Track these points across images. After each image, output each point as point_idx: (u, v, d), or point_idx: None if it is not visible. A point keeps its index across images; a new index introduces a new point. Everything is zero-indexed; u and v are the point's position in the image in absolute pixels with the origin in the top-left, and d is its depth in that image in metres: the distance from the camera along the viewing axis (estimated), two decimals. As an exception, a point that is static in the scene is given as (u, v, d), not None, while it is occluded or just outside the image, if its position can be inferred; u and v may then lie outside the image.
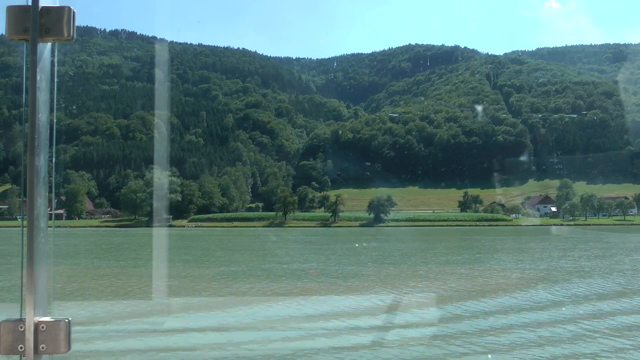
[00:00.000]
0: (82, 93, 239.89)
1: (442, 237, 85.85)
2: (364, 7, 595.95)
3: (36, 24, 2.21)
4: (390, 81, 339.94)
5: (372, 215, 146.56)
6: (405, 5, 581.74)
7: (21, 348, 2.16)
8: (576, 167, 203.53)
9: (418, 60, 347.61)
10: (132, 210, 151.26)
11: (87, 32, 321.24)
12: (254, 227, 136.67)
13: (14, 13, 2.23)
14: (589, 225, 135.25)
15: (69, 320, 2.24)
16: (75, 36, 2.29)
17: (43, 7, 2.23)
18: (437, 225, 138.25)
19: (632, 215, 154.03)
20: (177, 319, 18.59)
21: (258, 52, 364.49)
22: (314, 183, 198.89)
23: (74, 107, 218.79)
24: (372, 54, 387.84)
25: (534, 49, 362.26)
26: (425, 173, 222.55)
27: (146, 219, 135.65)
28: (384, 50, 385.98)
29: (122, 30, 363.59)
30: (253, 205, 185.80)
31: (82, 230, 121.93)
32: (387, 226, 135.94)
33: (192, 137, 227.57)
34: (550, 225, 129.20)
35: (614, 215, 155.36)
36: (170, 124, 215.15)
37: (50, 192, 2.28)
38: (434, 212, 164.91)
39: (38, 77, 2.17)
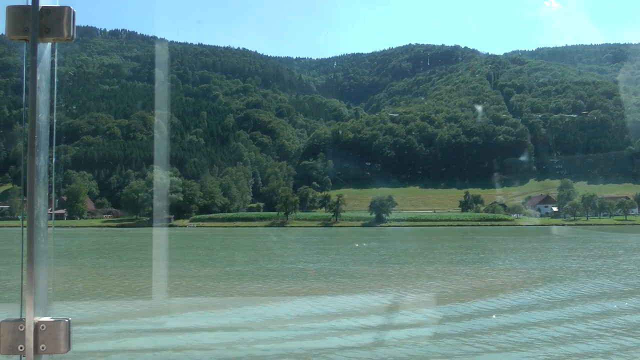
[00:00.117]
0: (83, 93, 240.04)
1: (445, 237, 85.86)
2: (364, 7, 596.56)
3: (36, 24, 2.20)
4: (391, 81, 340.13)
5: (373, 215, 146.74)
6: (406, 5, 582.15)
7: (21, 348, 2.16)
8: (576, 167, 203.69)
9: (418, 60, 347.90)
10: (133, 210, 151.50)
11: (87, 32, 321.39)
12: (256, 227, 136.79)
13: (14, 13, 2.23)
14: (591, 225, 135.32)
15: (69, 320, 2.24)
16: (75, 36, 2.29)
17: (43, 7, 2.23)
18: (438, 225, 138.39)
19: (633, 215, 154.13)
20: (180, 318, 18.53)
21: (258, 52, 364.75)
22: (314, 183, 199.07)
23: (74, 107, 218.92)
24: (373, 53, 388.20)
25: (534, 49, 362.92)
26: (425, 173, 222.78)
27: (147, 218, 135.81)
28: (384, 50, 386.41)
29: (122, 30, 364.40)
30: (254, 205, 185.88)
31: (84, 230, 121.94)
32: (389, 226, 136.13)
33: (193, 137, 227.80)
34: (552, 225, 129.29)
35: (615, 215, 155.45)
36: (170, 124, 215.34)
37: (50, 192, 2.28)
38: (435, 212, 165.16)
39: (38, 77, 2.17)
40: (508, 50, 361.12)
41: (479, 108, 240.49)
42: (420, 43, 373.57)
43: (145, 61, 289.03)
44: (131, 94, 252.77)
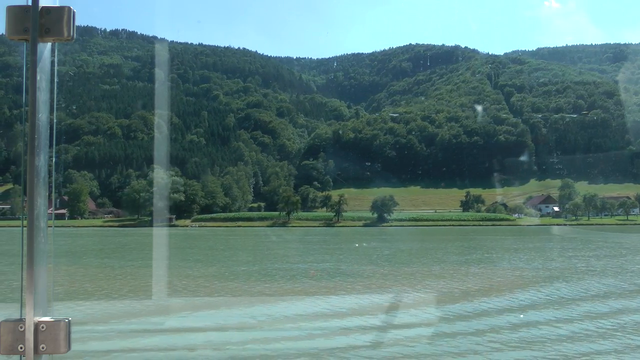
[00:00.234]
0: (83, 93, 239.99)
1: (448, 236, 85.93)
2: (364, 6, 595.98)
3: (36, 24, 2.20)
4: (391, 81, 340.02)
5: (375, 215, 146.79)
6: (405, 5, 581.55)
7: (21, 348, 2.16)
8: (577, 167, 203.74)
9: (418, 60, 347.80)
10: (135, 210, 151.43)
11: (88, 32, 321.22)
12: (258, 226, 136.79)
13: (14, 13, 2.22)
14: (592, 225, 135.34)
15: (69, 320, 2.23)
16: (75, 36, 2.29)
17: (43, 7, 2.23)
18: (440, 225, 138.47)
19: (634, 215, 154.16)
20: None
21: (258, 52, 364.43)
22: (315, 183, 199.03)
23: (75, 107, 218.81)
24: (373, 53, 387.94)
25: (534, 49, 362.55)
26: (426, 173, 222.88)
27: (149, 218, 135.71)
28: (384, 50, 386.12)
29: (122, 30, 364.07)
30: (255, 205, 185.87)
31: (86, 230, 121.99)
32: (391, 226, 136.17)
33: (194, 137, 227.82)
34: (554, 225, 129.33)
35: (616, 215, 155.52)
36: (171, 124, 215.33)
37: (50, 192, 2.27)
38: (436, 212, 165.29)
39: (38, 77, 2.17)
40: (508, 50, 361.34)
41: (479, 108, 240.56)
42: (421, 43, 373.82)
43: (146, 61, 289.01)
44: (132, 94, 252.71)
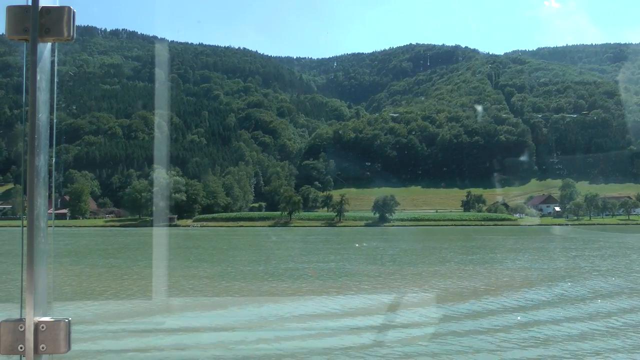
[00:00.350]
0: (84, 93, 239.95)
1: (451, 236, 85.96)
2: (364, 6, 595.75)
3: (36, 24, 2.20)
4: (391, 81, 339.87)
5: (377, 215, 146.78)
6: (406, 5, 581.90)
7: (21, 348, 2.15)
8: (577, 167, 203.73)
9: (419, 60, 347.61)
10: (136, 210, 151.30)
11: (88, 32, 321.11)
12: (260, 226, 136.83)
13: (14, 13, 2.22)
14: (594, 225, 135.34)
15: (69, 320, 2.23)
16: (75, 36, 2.28)
17: (43, 7, 2.23)
18: (442, 225, 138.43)
19: (636, 214, 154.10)
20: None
21: (259, 51, 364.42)
22: (316, 183, 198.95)
23: (74, 107, 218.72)
24: (373, 53, 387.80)
25: (534, 49, 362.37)
26: (426, 173, 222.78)
27: (151, 218, 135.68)
28: (384, 50, 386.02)
29: (122, 29, 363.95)
30: (256, 205, 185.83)
31: (88, 230, 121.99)
32: (393, 226, 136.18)
33: (195, 137, 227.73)
34: (556, 225, 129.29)
35: (617, 215, 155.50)
36: (172, 124, 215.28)
37: (50, 192, 2.27)
38: (437, 212, 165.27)
39: (38, 77, 2.16)
40: (508, 50, 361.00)
41: (479, 108, 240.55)
42: (421, 43, 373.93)
43: (146, 61, 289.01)
44: (132, 94, 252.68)
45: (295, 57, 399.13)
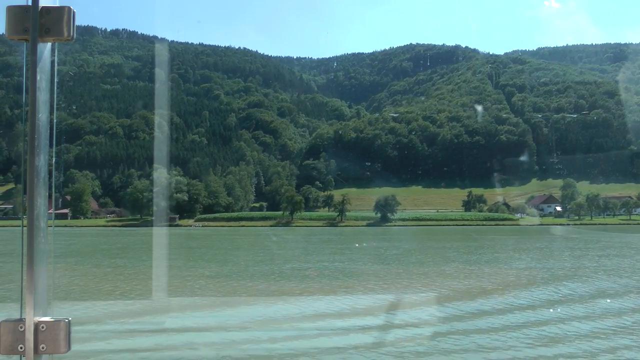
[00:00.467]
0: (84, 92, 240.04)
1: (454, 236, 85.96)
2: (364, 6, 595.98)
3: (36, 24, 2.20)
4: (392, 81, 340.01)
5: (378, 215, 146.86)
6: (406, 5, 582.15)
7: (21, 348, 2.15)
8: (578, 167, 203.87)
9: (419, 59, 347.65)
10: (138, 210, 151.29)
11: (88, 32, 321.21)
12: (262, 226, 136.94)
13: (14, 13, 2.22)
14: (596, 224, 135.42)
15: (69, 320, 2.23)
16: (75, 36, 2.28)
17: (43, 7, 2.22)
18: (443, 225, 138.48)
19: (637, 214, 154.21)
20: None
21: (259, 51, 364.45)
22: (317, 183, 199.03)
23: (75, 107, 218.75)
24: (373, 53, 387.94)
25: (534, 49, 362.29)
26: (427, 173, 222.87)
27: (152, 218, 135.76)
28: (384, 50, 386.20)
29: (122, 29, 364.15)
30: (257, 204, 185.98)
31: (89, 230, 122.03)
32: (395, 225, 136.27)
33: (195, 137, 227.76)
34: (558, 225, 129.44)
35: (618, 215, 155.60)
36: (173, 124, 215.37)
37: (50, 192, 2.27)
38: (438, 212, 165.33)
39: (38, 77, 2.16)
40: (508, 50, 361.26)
41: (479, 108, 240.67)
42: (421, 43, 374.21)
43: (146, 61, 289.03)
44: (132, 94, 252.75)
45: (295, 57, 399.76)
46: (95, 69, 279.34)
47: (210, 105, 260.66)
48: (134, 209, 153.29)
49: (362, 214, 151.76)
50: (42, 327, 2.17)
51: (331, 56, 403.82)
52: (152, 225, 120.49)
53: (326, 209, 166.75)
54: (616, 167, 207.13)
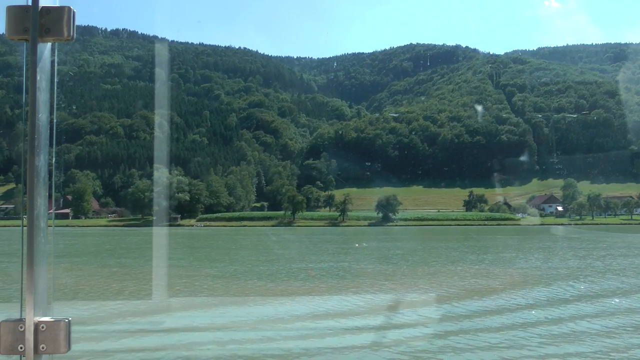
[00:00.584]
0: (85, 92, 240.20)
1: (456, 236, 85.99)
2: (364, 6, 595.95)
3: (36, 24, 2.20)
4: (392, 81, 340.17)
5: (380, 215, 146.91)
6: (406, 5, 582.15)
7: (21, 348, 2.15)
8: (578, 167, 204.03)
9: (419, 59, 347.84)
10: (139, 209, 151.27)
11: (88, 32, 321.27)
12: (263, 226, 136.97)
13: (14, 13, 2.22)
14: (597, 224, 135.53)
15: (69, 320, 2.22)
16: (75, 36, 2.28)
17: (43, 7, 2.22)
18: (445, 225, 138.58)
19: (638, 214, 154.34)
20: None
21: (259, 51, 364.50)
22: (318, 182, 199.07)
23: (74, 107, 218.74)
24: (373, 53, 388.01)
25: (535, 49, 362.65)
26: (427, 172, 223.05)
27: (154, 218, 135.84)
28: (385, 50, 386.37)
29: (123, 29, 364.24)
30: (258, 204, 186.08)
31: (91, 229, 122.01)
32: (396, 225, 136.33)
33: (196, 137, 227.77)
34: (560, 224, 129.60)
35: (619, 215, 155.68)
36: (173, 124, 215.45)
37: (51, 192, 2.27)
38: (439, 212, 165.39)
39: (38, 77, 2.16)
40: (509, 50, 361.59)
41: (479, 108, 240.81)
42: (421, 43, 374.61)
43: (147, 60, 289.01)
44: (133, 94, 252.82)
45: (295, 57, 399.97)
46: (96, 69, 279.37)
47: (210, 105, 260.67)
48: (135, 208, 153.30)
49: (363, 214, 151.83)
50: (42, 327, 2.17)
51: (331, 56, 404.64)
52: (153, 225, 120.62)
53: (327, 208, 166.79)
54: (616, 167, 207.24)
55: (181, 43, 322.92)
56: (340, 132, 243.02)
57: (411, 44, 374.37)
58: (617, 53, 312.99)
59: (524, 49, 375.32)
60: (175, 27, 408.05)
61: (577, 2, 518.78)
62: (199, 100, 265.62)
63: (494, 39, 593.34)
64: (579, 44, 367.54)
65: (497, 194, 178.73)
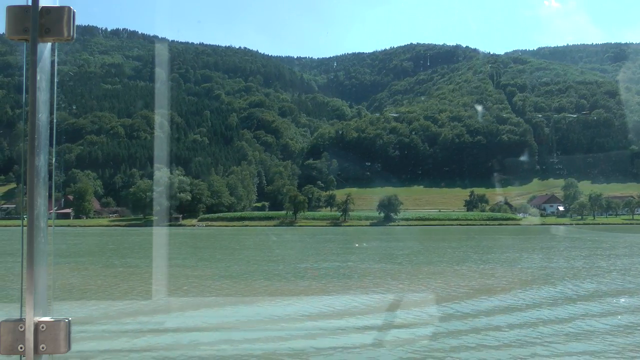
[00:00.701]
0: (85, 92, 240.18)
1: (459, 236, 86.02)
2: (364, 6, 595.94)
3: (36, 24, 2.20)
4: (392, 80, 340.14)
5: (382, 215, 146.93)
6: (406, 5, 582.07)
7: (21, 348, 2.15)
8: (580, 167, 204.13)
9: (419, 59, 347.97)
10: (141, 209, 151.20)
11: (89, 31, 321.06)
12: (265, 226, 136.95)
13: (14, 13, 2.22)
14: (599, 224, 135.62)
15: (69, 320, 2.22)
16: (75, 36, 2.28)
17: (43, 7, 2.22)
18: (447, 225, 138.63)
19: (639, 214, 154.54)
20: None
21: (259, 51, 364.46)
22: (319, 182, 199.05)
23: (74, 107, 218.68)
24: (374, 53, 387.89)
25: (535, 49, 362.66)
26: (428, 172, 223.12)
27: (156, 218, 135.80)
28: (385, 50, 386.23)
29: (123, 29, 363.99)
30: (259, 204, 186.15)
31: (94, 229, 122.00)
32: (398, 225, 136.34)
33: (197, 137, 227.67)
34: (561, 224, 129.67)
35: (621, 215, 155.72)
36: (174, 124, 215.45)
37: (51, 192, 2.27)
38: (440, 212, 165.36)
39: (38, 77, 2.16)
40: (509, 50, 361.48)
41: (479, 108, 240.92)
42: (421, 42, 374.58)
43: (147, 60, 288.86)
44: (133, 93, 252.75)
45: (295, 57, 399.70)
46: (96, 69, 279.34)
47: (211, 105, 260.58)
48: (136, 208, 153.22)
49: (365, 214, 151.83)
50: (42, 327, 2.17)
51: (331, 56, 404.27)
52: (155, 225, 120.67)
53: (328, 208, 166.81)
54: (617, 167, 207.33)
55: (181, 43, 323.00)
56: (340, 132, 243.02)
57: (411, 43, 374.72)
58: (618, 53, 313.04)
59: (524, 49, 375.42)
60: (175, 27, 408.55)
61: (577, 2, 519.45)
62: (199, 100, 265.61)
63: (494, 39, 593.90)
64: (579, 43, 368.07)
65: (497, 194, 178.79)
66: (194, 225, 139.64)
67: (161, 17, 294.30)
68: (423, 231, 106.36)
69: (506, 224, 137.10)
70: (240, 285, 27.38)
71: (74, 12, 2.26)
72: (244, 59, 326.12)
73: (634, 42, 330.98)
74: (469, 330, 16.32)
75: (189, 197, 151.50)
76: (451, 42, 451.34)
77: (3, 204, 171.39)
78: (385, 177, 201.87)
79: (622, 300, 23.18)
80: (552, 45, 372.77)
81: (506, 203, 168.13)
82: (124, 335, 15.33)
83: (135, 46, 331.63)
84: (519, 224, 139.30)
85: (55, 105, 2.30)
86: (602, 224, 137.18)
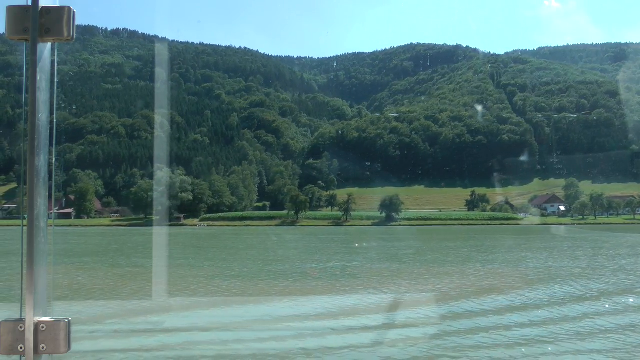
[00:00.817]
0: (85, 92, 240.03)
1: (461, 235, 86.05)
2: (364, 6, 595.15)
3: (36, 24, 2.20)
4: (393, 80, 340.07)
5: (383, 215, 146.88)
6: (406, 5, 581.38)
7: (21, 348, 2.15)
8: (580, 167, 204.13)
9: (420, 59, 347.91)
10: (142, 209, 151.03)
11: (89, 31, 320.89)
12: (267, 226, 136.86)
13: (14, 13, 2.22)
14: (600, 224, 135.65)
15: (69, 320, 2.23)
16: (75, 36, 2.28)
17: (43, 7, 2.23)
18: (449, 225, 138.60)
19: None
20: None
21: (260, 51, 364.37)
22: (319, 182, 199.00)
23: (74, 107, 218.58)
24: (374, 53, 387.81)
25: (535, 49, 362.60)
26: (428, 172, 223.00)
27: (157, 217, 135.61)
28: (385, 50, 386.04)
29: (123, 29, 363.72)
30: (260, 204, 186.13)
31: (96, 229, 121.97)
32: (400, 225, 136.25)
33: (198, 136, 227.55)
34: (562, 224, 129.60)
35: (622, 215, 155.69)
36: (174, 123, 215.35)
37: (51, 192, 2.27)
38: (441, 211, 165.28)
39: (38, 77, 2.17)
40: (509, 50, 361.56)
41: (480, 108, 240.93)
42: (422, 42, 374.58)
43: (147, 60, 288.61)
44: (134, 93, 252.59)
45: (295, 57, 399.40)
46: (96, 69, 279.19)
47: (211, 105, 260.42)
48: (137, 208, 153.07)
49: (367, 214, 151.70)
50: (42, 327, 2.17)
51: (332, 56, 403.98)
52: (157, 225, 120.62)
53: (329, 208, 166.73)
54: (617, 167, 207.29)
55: (181, 43, 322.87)
56: (341, 132, 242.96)
57: (411, 43, 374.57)
58: (618, 53, 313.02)
59: (524, 48, 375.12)
60: (175, 27, 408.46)
61: (577, 2, 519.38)
62: (199, 100, 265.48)
63: (494, 38, 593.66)
64: (579, 43, 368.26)
65: (498, 194, 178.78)
66: (196, 225, 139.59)
67: (161, 17, 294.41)
68: (425, 231, 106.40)
69: (507, 224, 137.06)
70: (249, 285, 27.42)
71: (74, 12, 2.26)
72: (244, 58, 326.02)
73: (634, 42, 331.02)
74: (479, 329, 16.41)
75: (190, 197, 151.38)
76: (451, 42, 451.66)
77: (4, 204, 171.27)
78: (386, 177, 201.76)
79: (631, 300, 23.27)
80: (553, 45, 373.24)
81: (507, 203, 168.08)
82: (124, 335, 15.38)
83: (136, 46, 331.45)
84: (521, 224, 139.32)
85: (55, 105, 2.30)
86: (604, 223, 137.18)
